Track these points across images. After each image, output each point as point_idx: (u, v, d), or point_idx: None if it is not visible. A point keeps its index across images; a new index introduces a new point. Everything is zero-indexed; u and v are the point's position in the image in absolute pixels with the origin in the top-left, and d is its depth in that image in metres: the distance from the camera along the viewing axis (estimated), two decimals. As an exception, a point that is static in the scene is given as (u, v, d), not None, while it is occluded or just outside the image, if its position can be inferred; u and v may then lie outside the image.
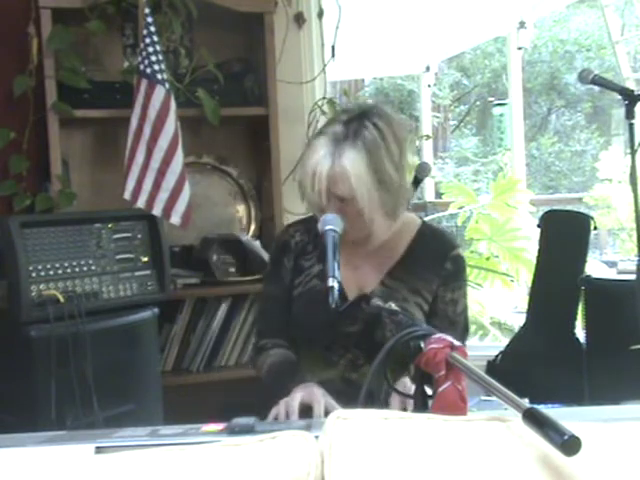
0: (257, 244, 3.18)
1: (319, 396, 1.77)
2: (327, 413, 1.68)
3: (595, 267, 4.20)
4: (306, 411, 1.74)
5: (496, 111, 8.17)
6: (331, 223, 1.84)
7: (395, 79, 10.51)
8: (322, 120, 3.27)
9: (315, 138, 1.96)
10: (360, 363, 1.96)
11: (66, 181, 2.90)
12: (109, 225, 2.64)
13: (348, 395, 1.72)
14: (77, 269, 2.54)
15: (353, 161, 1.86)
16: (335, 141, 1.88)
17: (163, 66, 2.67)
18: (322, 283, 1.96)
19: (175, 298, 2.96)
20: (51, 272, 2.47)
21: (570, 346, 3.30)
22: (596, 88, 3.09)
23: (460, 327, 2.05)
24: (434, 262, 2.02)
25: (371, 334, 1.94)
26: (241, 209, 3.37)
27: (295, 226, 2.13)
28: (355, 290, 1.98)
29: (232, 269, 3.15)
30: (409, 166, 1.97)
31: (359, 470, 1.03)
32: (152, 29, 2.66)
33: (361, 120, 1.90)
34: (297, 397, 1.77)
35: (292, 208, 3.09)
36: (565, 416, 1.06)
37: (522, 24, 5.33)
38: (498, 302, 4.78)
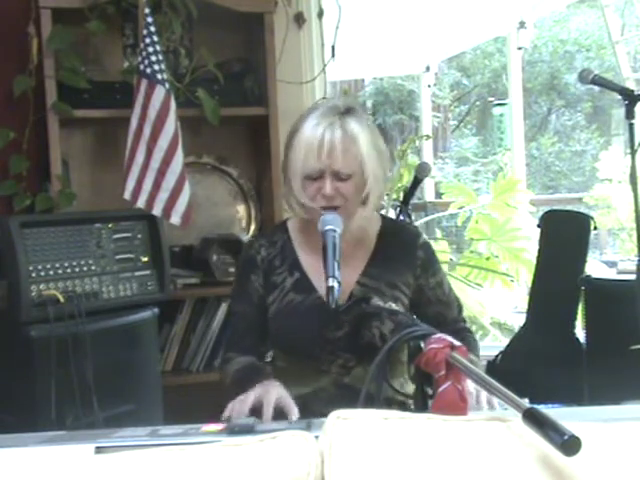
0: (257, 244, 3.17)
1: (271, 397, 1.71)
2: (281, 414, 1.68)
3: (595, 267, 4.20)
4: (259, 410, 1.70)
5: (496, 111, 8.18)
6: (331, 223, 1.83)
7: (395, 79, 10.52)
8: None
9: (308, 113, 1.92)
10: (351, 365, 1.95)
11: (66, 181, 2.90)
12: (109, 225, 2.64)
13: (344, 399, 1.69)
14: (77, 269, 2.54)
15: (360, 133, 1.88)
16: (338, 114, 1.88)
17: (163, 66, 2.67)
18: (299, 295, 1.97)
19: (175, 298, 2.96)
20: (51, 272, 2.47)
21: (570, 346, 3.30)
22: (596, 88, 3.09)
23: (454, 304, 2.11)
24: (405, 254, 2.03)
25: (357, 335, 1.93)
26: (241, 209, 3.36)
27: (259, 240, 2.07)
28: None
29: (232, 269, 3.14)
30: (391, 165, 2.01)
31: (359, 470, 1.03)
32: (152, 29, 2.66)
33: (354, 106, 1.95)
34: (250, 396, 1.73)
35: (292, 208, 3.08)
36: (565, 416, 1.06)
37: (522, 24, 5.33)
38: (498, 302, 4.78)
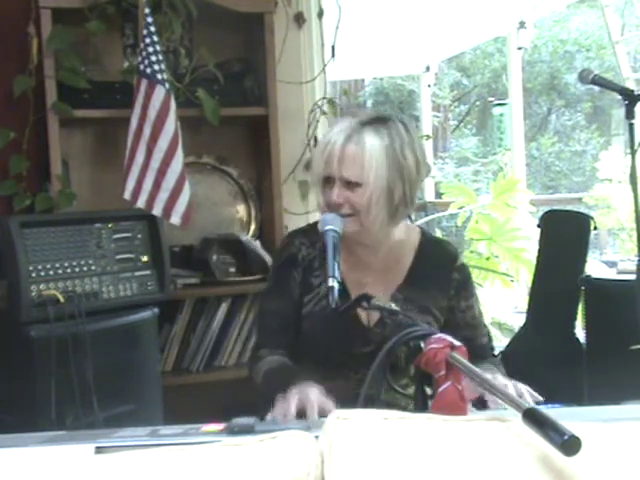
0: (257, 244, 3.17)
1: (313, 399, 1.70)
2: (322, 414, 1.66)
3: (595, 267, 4.19)
4: (303, 414, 1.69)
5: (496, 111, 8.18)
6: (331, 223, 1.83)
7: (395, 79, 10.52)
8: (322, 120, 3.28)
9: (338, 118, 1.96)
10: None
11: (66, 181, 2.90)
12: (109, 225, 2.64)
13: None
14: (77, 269, 2.54)
15: (371, 143, 1.85)
16: (359, 123, 1.88)
17: (163, 66, 2.66)
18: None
19: (175, 298, 2.96)
20: (51, 272, 2.47)
21: (570, 346, 3.30)
22: (596, 88, 3.09)
23: (482, 329, 2.07)
24: (440, 277, 2.00)
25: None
26: (241, 209, 3.36)
27: (299, 238, 2.04)
28: (363, 311, 1.90)
29: (232, 269, 3.15)
30: (421, 177, 1.94)
31: (359, 470, 1.03)
32: (152, 29, 2.66)
33: (388, 116, 1.92)
34: (292, 403, 1.69)
35: (292, 208, 3.09)
36: (565, 416, 1.06)
37: (522, 24, 5.34)
38: (498, 302, 4.78)
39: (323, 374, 1.93)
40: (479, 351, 1.98)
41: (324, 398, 1.72)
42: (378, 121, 1.89)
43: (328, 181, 1.89)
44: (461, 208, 5.03)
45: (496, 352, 3.42)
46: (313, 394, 1.71)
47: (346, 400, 1.90)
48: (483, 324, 2.09)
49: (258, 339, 2.10)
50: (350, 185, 1.86)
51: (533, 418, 1.05)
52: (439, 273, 2.00)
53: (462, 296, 2.02)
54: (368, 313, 1.91)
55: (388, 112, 1.98)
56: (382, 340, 1.86)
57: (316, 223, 1.99)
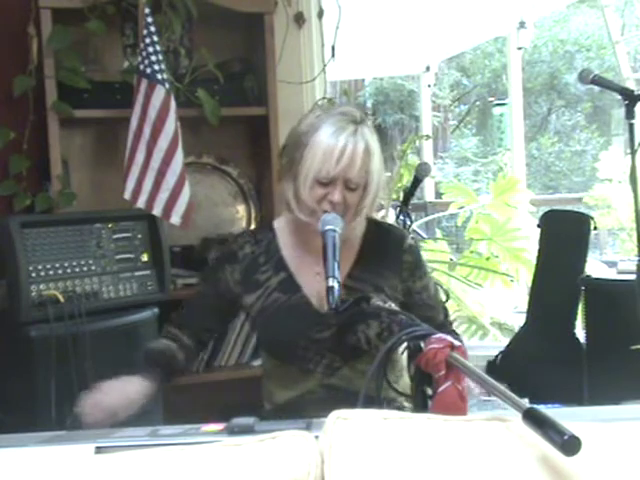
0: (257, 244, 3.17)
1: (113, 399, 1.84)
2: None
3: (595, 267, 4.19)
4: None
5: (496, 111, 8.19)
6: (331, 223, 1.83)
7: (395, 79, 10.52)
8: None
9: (324, 118, 1.89)
10: (337, 366, 1.94)
11: (66, 181, 2.90)
12: (109, 225, 2.64)
13: (333, 401, 1.64)
14: (77, 269, 2.54)
15: (374, 147, 1.89)
16: (353, 122, 1.88)
17: (163, 66, 2.67)
18: (284, 295, 1.97)
19: (175, 298, 2.95)
20: (51, 272, 2.47)
21: (570, 346, 3.30)
22: (596, 88, 3.08)
23: (440, 306, 2.11)
24: (391, 257, 2.02)
25: (343, 338, 1.92)
26: (241, 209, 3.36)
27: (244, 237, 2.07)
28: (316, 296, 1.93)
29: (232, 269, 3.14)
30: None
31: (359, 470, 1.03)
32: (152, 29, 2.66)
33: (363, 113, 1.95)
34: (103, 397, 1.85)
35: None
36: (565, 416, 1.06)
37: (522, 24, 5.34)
38: (498, 302, 4.78)
39: (288, 373, 1.96)
40: (440, 328, 2.00)
41: (127, 399, 1.85)
42: (364, 119, 1.92)
43: (324, 180, 1.88)
44: (461, 208, 5.03)
45: (496, 353, 3.44)
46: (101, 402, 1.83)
47: (321, 387, 1.92)
48: (439, 300, 2.11)
49: (176, 315, 2.15)
50: (350, 186, 1.88)
51: (533, 418, 1.05)
52: (388, 255, 2.02)
53: (417, 276, 2.03)
54: (320, 298, 1.90)
55: (357, 107, 2.02)
56: (339, 323, 1.88)
57: (263, 226, 2.10)
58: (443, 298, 2.17)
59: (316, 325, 1.93)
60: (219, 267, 2.05)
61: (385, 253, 2.02)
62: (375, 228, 2.06)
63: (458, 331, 2.18)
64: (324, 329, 1.93)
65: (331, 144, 1.85)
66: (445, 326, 2.07)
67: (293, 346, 1.95)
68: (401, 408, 1.88)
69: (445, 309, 2.13)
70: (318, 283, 1.90)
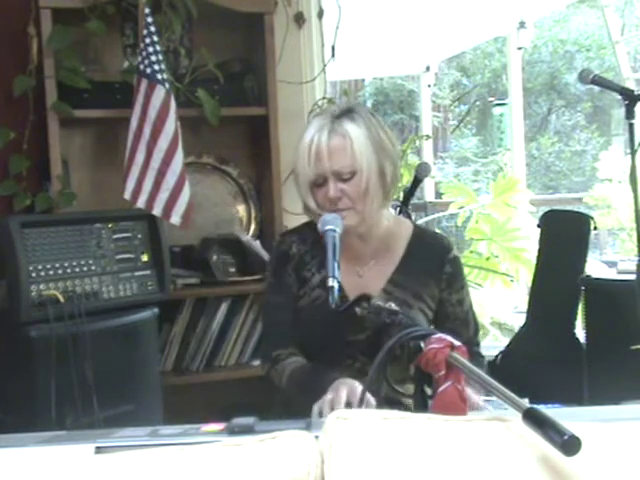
0: (257, 244, 3.18)
1: (359, 391, 1.71)
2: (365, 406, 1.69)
3: (595, 267, 4.19)
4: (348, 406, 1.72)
5: (496, 111, 8.19)
6: (331, 223, 1.84)
7: (395, 79, 10.52)
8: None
9: (310, 121, 1.97)
10: (368, 370, 1.94)
11: (66, 181, 2.90)
12: (109, 225, 2.64)
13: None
14: (77, 269, 2.54)
15: (353, 131, 1.90)
16: (332, 117, 1.92)
17: (163, 66, 2.67)
18: (324, 292, 1.96)
19: (175, 298, 2.96)
20: (51, 272, 2.47)
21: (570, 346, 3.30)
22: (596, 88, 3.08)
23: (472, 323, 2.10)
24: (433, 266, 2.03)
25: (378, 342, 1.92)
26: (241, 209, 3.36)
27: (290, 236, 2.10)
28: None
29: (232, 269, 3.15)
30: (399, 151, 2.01)
31: (359, 470, 1.03)
32: (152, 29, 2.66)
33: (354, 105, 1.99)
34: (343, 394, 1.72)
35: (292, 208, 3.08)
36: (565, 416, 1.06)
37: (522, 24, 5.33)
38: (498, 302, 4.78)
39: (321, 364, 1.95)
40: (465, 345, 2.01)
41: (367, 394, 1.73)
42: (349, 111, 1.94)
43: (318, 181, 1.91)
44: (461, 208, 5.03)
45: (496, 353, 3.43)
46: (359, 387, 1.73)
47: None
48: (473, 319, 2.10)
49: (269, 336, 2.13)
50: (344, 177, 1.89)
51: (533, 418, 1.05)
52: (431, 263, 2.03)
53: (454, 289, 2.05)
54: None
55: (351, 102, 2.03)
56: (376, 327, 1.88)
57: (306, 223, 2.07)
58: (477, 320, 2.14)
59: (353, 326, 1.93)
60: (282, 273, 2.05)
61: (429, 261, 2.03)
62: (421, 235, 2.08)
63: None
64: (360, 331, 1.94)
65: (307, 145, 1.90)
66: (472, 344, 2.05)
67: (330, 344, 1.96)
68: (408, 408, 1.88)
69: (477, 327, 2.11)
70: (359, 284, 1.94)
